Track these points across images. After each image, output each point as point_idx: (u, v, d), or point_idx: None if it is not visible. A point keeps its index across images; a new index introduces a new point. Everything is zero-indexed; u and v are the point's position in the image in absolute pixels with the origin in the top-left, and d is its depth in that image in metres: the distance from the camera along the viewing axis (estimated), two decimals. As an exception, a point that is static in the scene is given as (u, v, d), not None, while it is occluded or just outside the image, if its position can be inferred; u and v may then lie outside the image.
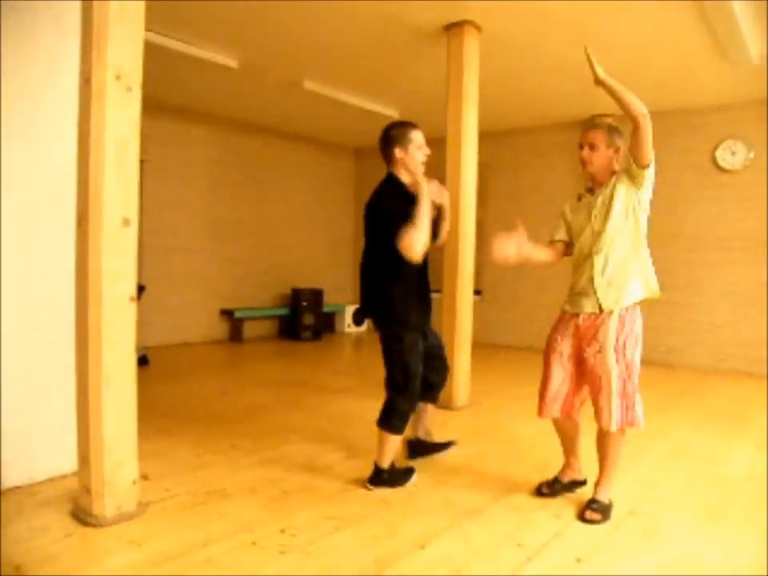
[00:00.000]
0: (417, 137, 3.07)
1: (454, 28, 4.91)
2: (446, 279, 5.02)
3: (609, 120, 3.00)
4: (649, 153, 2.67)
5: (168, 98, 7.39)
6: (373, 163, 10.12)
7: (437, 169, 7.82)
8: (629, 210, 2.79)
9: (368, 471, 3.27)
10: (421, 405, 3.43)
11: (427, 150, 3.12)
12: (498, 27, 4.94)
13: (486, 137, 5.65)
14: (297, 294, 8.88)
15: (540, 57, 5.62)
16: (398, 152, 3.06)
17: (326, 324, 9.47)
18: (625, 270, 2.80)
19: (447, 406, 4.96)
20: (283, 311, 9.03)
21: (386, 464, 3.15)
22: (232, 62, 5.89)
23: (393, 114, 7.74)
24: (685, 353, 7.30)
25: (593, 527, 2.75)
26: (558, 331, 3.00)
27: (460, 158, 4.90)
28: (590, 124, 3.02)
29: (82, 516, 2.66)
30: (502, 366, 6.89)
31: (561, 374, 2.96)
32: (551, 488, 3.10)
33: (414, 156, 3.06)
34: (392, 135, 3.08)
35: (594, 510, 2.83)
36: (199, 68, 6.04)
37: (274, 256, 9.22)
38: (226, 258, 8.55)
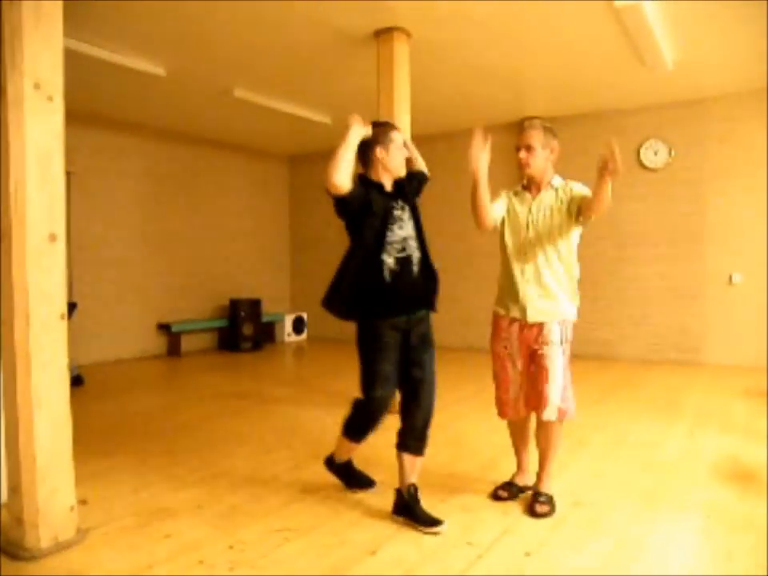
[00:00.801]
0: (397, 137, 2.95)
1: (383, 34, 4.95)
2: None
3: (538, 122, 3.04)
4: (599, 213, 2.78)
5: (95, 108, 7.15)
6: (307, 170, 10.19)
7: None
8: (563, 227, 2.88)
9: (314, 481, 3.24)
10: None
11: (406, 152, 3.03)
12: (427, 33, 5.01)
13: (418, 140, 5.72)
14: (235, 305, 8.74)
15: (470, 62, 5.73)
16: (379, 152, 2.90)
17: (265, 334, 9.35)
18: (557, 286, 2.90)
19: (393, 411, 4.95)
20: (222, 323, 8.87)
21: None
22: (159, 70, 5.75)
23: (325, 120, 7.73)
24: (619, 345, 7.56)
25: (540, 521, 2.81)
26: (500, 339, 3.02)
27: (394, 162, 4.92)
28: (525, 126, 3.06)
29: (12, 550, 2.51)
30: (444, 367, 6.90)
31: (515, 378, 3.01)
32: (509, 491, 3.09)
33: (394, 156, 2.92)
34: (372, 135, 2.92)
35: (543, 503, 2.89)
36: (126, 77, 5.87)
37: (210, 267, 9.04)
38: (161, 270, 8.33)
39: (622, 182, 7.31)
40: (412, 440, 2.95)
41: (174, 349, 8.26)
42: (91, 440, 4.10)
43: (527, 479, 3.15)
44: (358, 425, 3.08)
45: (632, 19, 4.66)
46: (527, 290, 2.90)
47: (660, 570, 2.39)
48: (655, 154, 7.25)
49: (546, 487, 2.98)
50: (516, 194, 3.04)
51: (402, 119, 4.96)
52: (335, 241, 9.84)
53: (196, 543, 2.62)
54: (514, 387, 3.01)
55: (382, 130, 2.96)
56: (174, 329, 8.18)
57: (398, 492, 2.90)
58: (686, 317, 7.19)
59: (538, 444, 3.03)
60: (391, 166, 2.94)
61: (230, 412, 5.06)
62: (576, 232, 2.94)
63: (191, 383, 6.53)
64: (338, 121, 7.83)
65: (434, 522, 2.75)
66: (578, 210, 2.84)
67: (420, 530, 2.72)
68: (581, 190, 2.89)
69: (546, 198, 2.93)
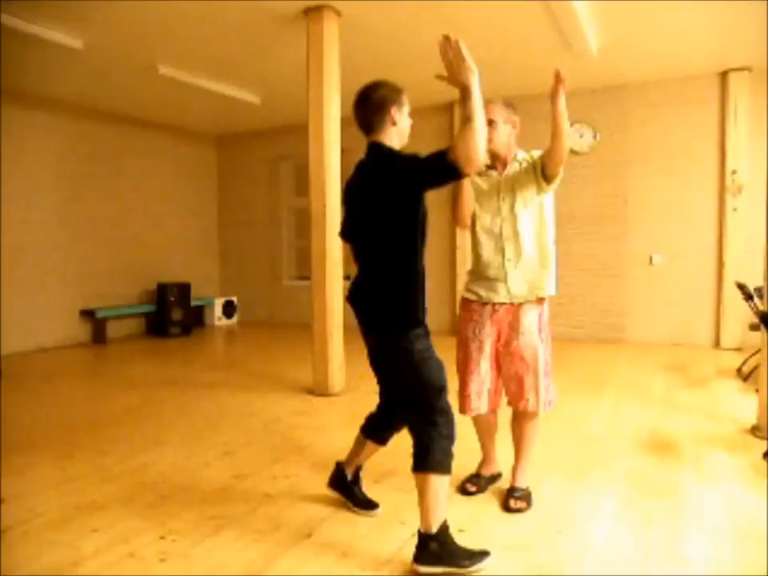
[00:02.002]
0: (407, 102, 2.48)
1: (313, 12, 4.86)
2: (314, 266, 4.99)
3: (499, 98, 2.95)
4: (558, 168, 2.72)
5: (9, 83, 6.72)
6: (236, 151, 9.96)
7: (300, 154, 7.79)
8: (534, 195, 2.80)
9: (246, 466, 3.19)
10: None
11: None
12: (357, 12, 4.95)
13: (350, 122, 5.67)
14: (163, 289, 8.50)
15: (400, 42, 5.70)
16: (395, 114, 2.40)
17: (195, 318, 9.15)
18: (535, 262, 2.79)
19: (323, 393, 4.97)
20: (149, 308, 8.60)
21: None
22: (76, 43, 5.46)
23: (254, 100, 7.56)
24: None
25: (472, 498, 2.87)
26: (469, 324, 2.83)
27: (323, 143, 4.87)
28: (486, 100, 2.82)
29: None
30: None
31: (485, 368, 2.81)
32: (477, 485, 2.97)
33: (406, 122, 2.46)
34: (387, 95, 2.41)
35: (518, 499, 2.78)
36: (41, 49, 5.54)
37: (136, 250, 8.74)
38: (84, 254, 7.98)
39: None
40: (387, 433, 2.74)
41: (99, 336, 7.96)
42: (11, 434, 3.93)
43: (494, 468, 3.07)
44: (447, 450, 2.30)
45: (559, 6, 4.75)
46: (508, 268, 2.76)
47: (585, 538, 2.48)
48: (581, 137, 7.45)
49: (522, 481, 2.87)
50: (479, 174, 2.84)
51: (332, 100, 4.91)
52: (264, 223, 9.76)
53: (125, 536, 2.54)
54: (479, 379, 2.80)
55: (395, 90, 2.46)
56: (99, 315, 7.88)
57: (340, 468, 2.83)
58: (610, 296, 7.47)
59: (514, 437, 2.91)
60: (405, 131, 2.47)
61: (159, 399, 4.93)
62: (548, 199, 2.85)
63: (118, 371, 6.32)
64: (266, 100, 7.68)
65: (370, 505, 2.75)
66: (542, 170, 2.73)
67: (355, 512, 2.73)
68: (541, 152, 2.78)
69: (512, 171, 2.81)
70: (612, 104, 7.35)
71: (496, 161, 2.85)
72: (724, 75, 6.78)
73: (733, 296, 6.50)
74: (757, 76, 6.54)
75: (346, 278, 7.09)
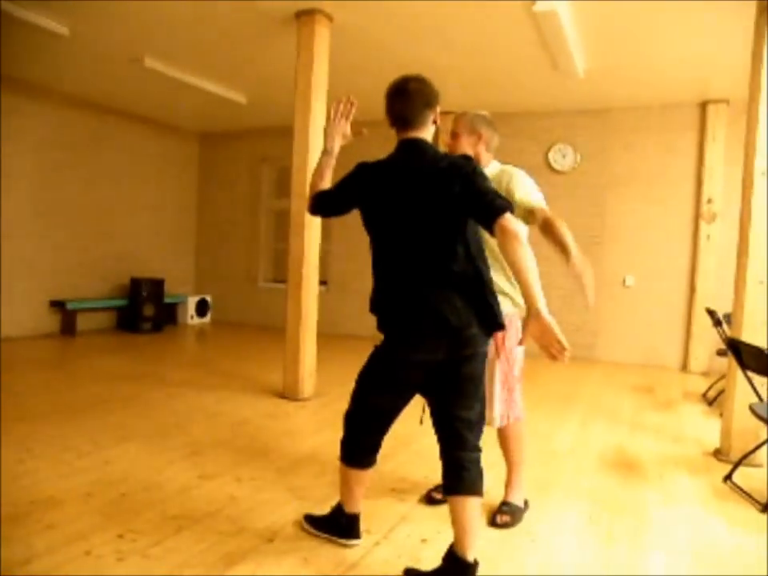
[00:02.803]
0: None
1: (304, 16, 4.86)
2: (290, 270, 4.97)
3: (471, 111, 2.85)
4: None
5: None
6: (218, 149, 9.89)
7: (283, 157, 7.76)
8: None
9: (212, 466, 3.15)
10: None
11: None
12: (348, 19, 4.96)
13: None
14: (136, 284, 8.39)
15: (389, 52, 5.73)
16: (437, 115, 2.30)
17: (167, 315, 9.03)
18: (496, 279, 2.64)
19: (293, 398, 4.93)
20: (121, 302, 8.48)
21: None
22: (63, 30, 5.37)
23: (240, 99, 7.53)
24: (518, 340, 7.83)
25: (437, 509, 2.87)
26: None
27: (307, 147, 4.86)
28: (456, 114, 2.85)
29: None
30: (348, 356, 6.95)
31: None
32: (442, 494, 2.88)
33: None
34: (435, 91, 2.27)
35: (504, 513, 2.76)
36: (23, 33, 5.44)
37: (111, 244, 8.60)
38: (57, 245, 7.84)
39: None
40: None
41: (68, 327, 7.82)
42: (-31, 422, 3.83)
43: None
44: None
45: (548, 25, 4.81)
46: None
47: (547, 554, 2.49)
48: (563, 157, 7.54)
49: (511, 497, 2.84)
50: None
51: (318, 104, 4.91)
52: (243, 223, 9.70)
53: (82, 533, 2.48)
54: None
55: (435, 89, 2.31)
56: (69, 306, 7.74)
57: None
58: (583, 315, 7.54)
59: (503, 452, 2.90)
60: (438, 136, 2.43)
61: (126, 395, 4.85)
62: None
63: (85, 364, 6.21)
64: (253, 101, 7.64)
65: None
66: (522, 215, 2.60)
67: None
68: (523, 197, 2.63)
69: None
70: (594, 127, 7.46)
71: None
72: (703, 106, 6.94)
73: (702, 321, 6.62)
74: (734, 108, 6.68)
75: (322, 283, 7.08)
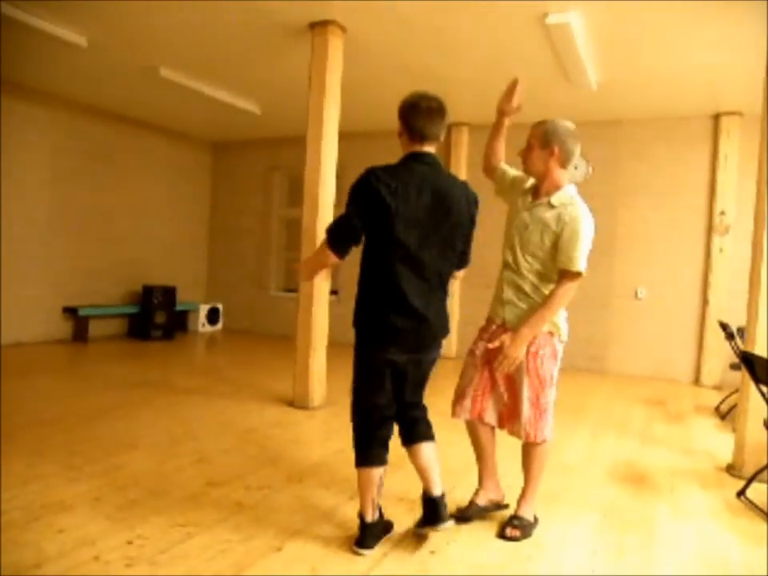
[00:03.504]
0: None
1: (318, 26, 4.90)
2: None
3: (549, 120, 2.81)
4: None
5: (8, 74, 6.68)
6: (231, 158, 9.96)
7: (295, 166, 7.80)
8: (550, 246, 2.61)
9: (220, 474, 3.15)
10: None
11: None
12: (362, 29, 5.00)
13: (346, 137, 5.68)
14: (148, 292, 8.44)
15: (401, 63, 5.76)
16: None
17: (178, 323, 9.07)
18: (532, 295, 2.66)
19: (302, 406, 4.94)
20: (133, 309, 8.53)
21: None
22: (81, 41, 5.45)
23: (253, 109, 7.58)
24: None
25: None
26: (478, 335, 2.86)
27: (320, 156, 4.88)
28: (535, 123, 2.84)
29: None
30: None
31: (470, 373, 2.81)
32: (463, 512, 2.83)
33: None
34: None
35: (514, 527, 2.70)
36: (45, 43, 5.53)
37: (123, 251, 8.67)
38: (71, 251, 7.91)
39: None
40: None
41: (80, 334, 7.87)
42: (-19, 426, 3.85)
43: (491, 495, 2.93)
44: None
45: (561, 37, 4.82)
46: (508, 296, 2.73)
47: (555, 566, 2.47)
48: (575, 168, 7.53)
49: (523, 511, 2.78)
50: (524, 194, 2.80)
51: (331, 114, 4.94)
52: (255, 231, 9.74)
53: (92, 538, 2.49)
54: (465, 382, 2.82)
55: None
56: (81, 313, 7.80)
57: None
58: (594, 326, 7.50)
59: (522, 464, 2.87)
60: None
61: (136, 401, 4.87)
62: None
63: (96, 370, 6.25)
64: (266, 110, 7.70)
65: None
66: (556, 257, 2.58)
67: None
68: (572, 256, 2.52)
69: (542, 210, 2.65)
70: (606, 138, 7.44)
71: (539, 184, 2.74)
72: (716, 118, 6.91)
73: (715, 334, 6.56)
74: (748, 121, 6.65)
75: (333, 292, 7.08)
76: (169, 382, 5.72)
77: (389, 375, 2.51)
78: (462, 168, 7.74)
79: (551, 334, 2.70)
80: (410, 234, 2.35)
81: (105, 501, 2.89)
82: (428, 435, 2.61)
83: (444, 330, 2.57)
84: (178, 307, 8.94)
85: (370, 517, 2.52)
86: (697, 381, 7.00)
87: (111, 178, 8.42)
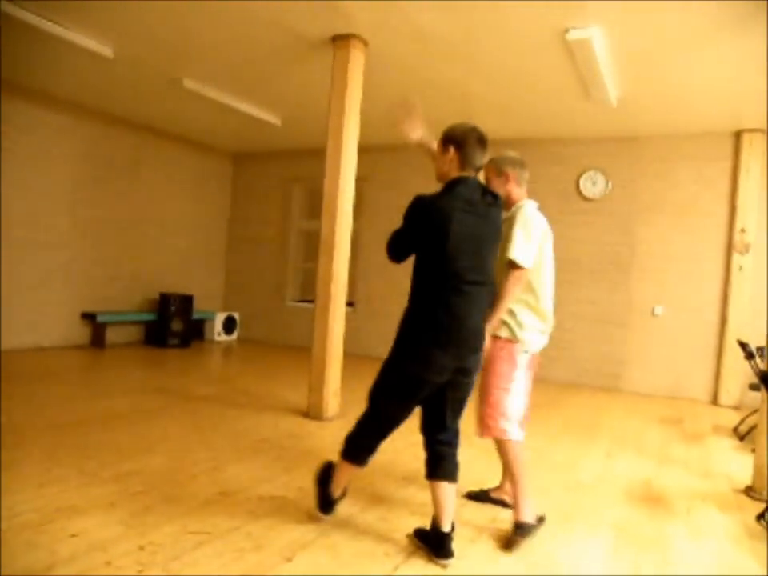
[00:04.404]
0: None
1: (340, 40, 4.94)
2: (318, 290, 4.99)
3: (495, 157, 3.07)
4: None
5: (35, 83, 6.83)
6: (251, 169, 10.05)
7: (314, 178, 7.85)
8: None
9: (233, 483, 3.15)
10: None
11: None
12: (383, 43, 5.04)
13: (366, 150, 5.71)
14: (165, 299, 8.50)
15: (422, 77, 5.79)
16: None
17: (194, 331, 9.13)
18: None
19: (317, 417, 4.93)
20: (150, 316, 8.60)
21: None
22: (107, 52, 5.55)
23: (275, 121, 7.66)
24: (545, 368, 7.70)
25: (458, 536, 2.82)
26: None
27: (339, 169, 4.91)
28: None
29: None
30: (372, 377, 6.91)
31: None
32: (476, 495, 3.31)
33: None
34: None
35: (517, 535, 2.78)
36: (72, 54, 5.64)
37: (143, 258, 8.77)
38: (91, 257, 8.02)
39: (561, 208, 7.54)
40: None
41: (97, 340, 7.95)
42: (-1, 429, 3.90)
43: (503, 495, 3.26)
44: None
45: (582, 53, 4.82)
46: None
47: (570, 587, 2.44)
48: (594, 184, 7.51)
49: (521, 515, 2.84)
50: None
51: (352, 127, 4.97)
52: (273, 242, 9.80)
53: (104, 543, 2.51)
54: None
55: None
56: (100, 319, 7.87)
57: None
58: (610, 344, 7.44)
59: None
60: None
61: (151, 408, 4.90)
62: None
63: (113, 376, 6.30)
64: (287, 122, 7.77)
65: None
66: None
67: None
68: (510, 246, 2.83)
69: (507, 220, 2.94)
70: (625, 154, 7.41)
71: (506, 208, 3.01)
72: (738, 135, 6.86)
73: (734, 353, 6.48)
74: (771, 138, 6.61)
75: (349, 304, 7.10)
76: (184, 390, 5.75)
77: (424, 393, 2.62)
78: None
79: (493, 338, 2.93)
80: (459, 255, 2.50)
81: (118, 506, 2.90)
82: (453, 476, 2.66)
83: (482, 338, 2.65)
84: (195, 316, 9.00)
85: (338, 494, 2.85)
86: (715, 400, 6.90)
87: (132, 187, 8.53)
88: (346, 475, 2.81)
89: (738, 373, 6.65)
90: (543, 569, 2.57)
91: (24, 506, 2.81)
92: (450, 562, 2.54)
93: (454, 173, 2.62)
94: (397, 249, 2.68)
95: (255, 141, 9.17)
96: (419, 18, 4.54)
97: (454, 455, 2.67)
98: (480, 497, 3.31)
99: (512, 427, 2.94)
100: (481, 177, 2.85)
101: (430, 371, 2.53)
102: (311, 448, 4.18)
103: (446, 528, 2.59)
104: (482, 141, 2.63)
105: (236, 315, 9.81)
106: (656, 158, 7.28)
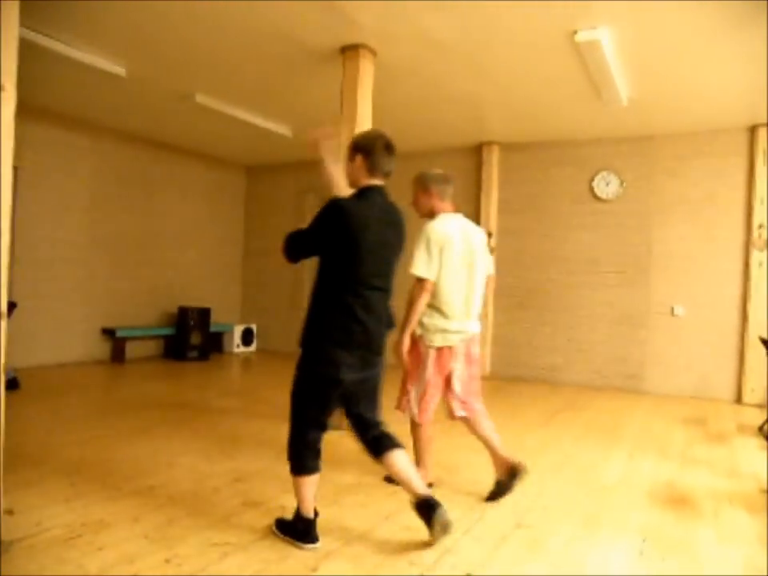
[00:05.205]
0: None
1: (349, 51, 4.98)
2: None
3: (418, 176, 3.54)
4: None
5: (50, 103, 6.96)
6: (265, 180, 10.12)
7: (327, 190, 7.88)
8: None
9: (256, 494, 3.16)
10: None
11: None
12: (393, 53, 5.07)
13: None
14: (183, 313, 8.57)
15: (432, 85, 5.81)
16: None
17: (213, 344, 9.19)
18: None
19: (336, 427, 4.92)
20: (169, 330, 8.67)
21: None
22: (120, 70, 5.64)
23: (286, 132, 7.71)
24: (565, 370, 7.70)
25: (482, 542, 2.82)
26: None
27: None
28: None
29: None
30: (387, 387, 6.89)
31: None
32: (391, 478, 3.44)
33: None
34: None
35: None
36: (84, 74, 5.74)
37: (160, 273, 8.86)
38: (109, 273, 8.11)
39: (575, 210, 7.51)
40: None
41: (117, 355, 8.03)
42: (24, 446, 3.94)
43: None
44: None
45: (591, 54, 4.82)
46: None
47: (597, 592, 2.42)
48: (607, 185, 7.48)
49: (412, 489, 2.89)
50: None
51: (363, 136, 4.98)
52: (290, 253, 9.83)
53: (130, 556, 2.53)
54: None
55: None
56: (119, 334, 7.96)
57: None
58: (630, 345, 7.38)
59: None
60: None
61: (173, 421, 4.94)
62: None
63: (133, 390, 6.35)
64: (298, 134, 7.82)
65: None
66: None
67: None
68: (413, 258, 3.29)
69: None
70: (639, 153, 7.38)
71: None
72: (753, 130, 6.80)
73: (756, 351, 6.40)
74: (787, 132, 6.54)
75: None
76: (205, 402, 5.78)
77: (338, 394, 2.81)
78: (493, 186, 7.70)
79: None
80: (368, 261, 2.64)
81: (143, 520, 2.92)
82: (396, 443, 2.81)
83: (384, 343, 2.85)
84: (213, 328, 9.06)
85: (312, 513, 2.75)
86: (739, 399, 6.81)
87: (148, 202, 8.63)
88: (307, 489, 2.73)
89: (762, 370, 6.56)
90: (569, 573, 2.55)
91: (52, 522, 2.84)
92: (448, 516, 2.64)
93: (364, 179, 2.74)
94: (298, 249, 2.79)
95: (268, 153, 9.24)
96: (427, 26, 4.56)
97: (384, 431, 2.86)
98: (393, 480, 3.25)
99: (417, 409, 3.47)
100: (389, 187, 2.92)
101: (339, 370, 2.67)
102: (332, 458, 4.17)
103: (422, 490, 2.71)
104: (389, 147, 2.76)
105: (254, 327, 9.85)
106: (669, 156, 7.24)
